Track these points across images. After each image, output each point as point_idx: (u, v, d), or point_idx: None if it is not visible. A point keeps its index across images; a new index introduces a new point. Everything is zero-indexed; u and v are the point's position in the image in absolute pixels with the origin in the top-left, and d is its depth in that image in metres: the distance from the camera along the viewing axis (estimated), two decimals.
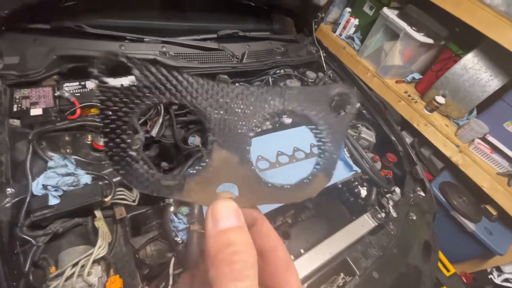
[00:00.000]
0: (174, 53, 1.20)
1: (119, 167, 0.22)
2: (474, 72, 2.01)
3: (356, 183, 1.32)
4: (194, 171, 0.24)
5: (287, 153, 1.22)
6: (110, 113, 0.21)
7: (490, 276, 2.08)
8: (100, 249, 0.72)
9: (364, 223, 1.13)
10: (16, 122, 0.86)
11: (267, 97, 0.25)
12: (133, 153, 0.22)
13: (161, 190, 0.24)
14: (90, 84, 1.01)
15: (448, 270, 2.10)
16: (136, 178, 0.23)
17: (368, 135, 1.44)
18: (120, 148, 0.22)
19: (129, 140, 0.22)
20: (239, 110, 0.24)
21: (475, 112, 2.19)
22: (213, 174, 0.25)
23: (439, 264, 2.06)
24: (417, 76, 2.39)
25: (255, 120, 0.25)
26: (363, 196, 1.31)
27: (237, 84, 0.25)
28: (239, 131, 0.24)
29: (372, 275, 0.96)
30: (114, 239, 0.86)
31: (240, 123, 0.24)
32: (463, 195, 2.07)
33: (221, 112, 0.24)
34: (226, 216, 0.23)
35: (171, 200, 1.02)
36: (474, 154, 2.01)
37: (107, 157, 0.23)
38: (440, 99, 2.10)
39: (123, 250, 0.87)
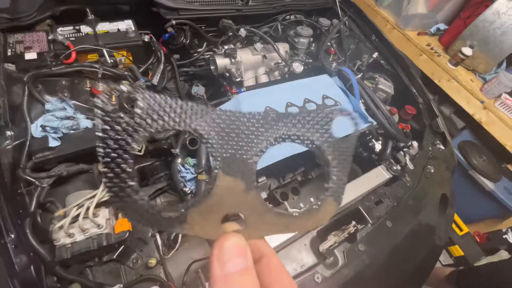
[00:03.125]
0: None
1: (117, 199, 0.21)
2: (508, 18, 1.80)
3: (371, 136, 1.25)
4: (196, 200, 0.24)
5: (297, 104, 1.15)
6: (111, 141, 0.20)
7: (505, 236, 2.04)
8: (104, 192, 0.71)
9: (379, 175, 1.07)
10: (12, 67, 0.82)
11: (271, 122, 0.24)
12: (133, 183, 0.21)
13: (162, 223, 0.23)
14: (85, 29, 0.94)
15: (461, 230, 2.07)
16: (136, 211, 0.22)
17: (386, 86, 1.33)
18: (119, 178, 0.21)
19: (130, 170, 0.21)
20: (243, 136, 0.24)
21: (504, 65, 2.01)
22: (217, 202, 0.24)
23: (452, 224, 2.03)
24: (442, 26, 2.17)
25: (260, 145, 0.24)
26: (378, 150, 1.24)
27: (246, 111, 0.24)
28: (244, 156, 0.24)
29: (386, 224, 0.93)
30: None
31: (245, 148, 0.24)
32: (484, 155, 1.97)
33: (225, 137, 0.23)
34: (233, 256, 0.22)
35: (178, 151, 0.99)
36: (500, 110, 1.87)
37: (105, 187, 0.21)
38: (467, 51, 1.91)
39: None
